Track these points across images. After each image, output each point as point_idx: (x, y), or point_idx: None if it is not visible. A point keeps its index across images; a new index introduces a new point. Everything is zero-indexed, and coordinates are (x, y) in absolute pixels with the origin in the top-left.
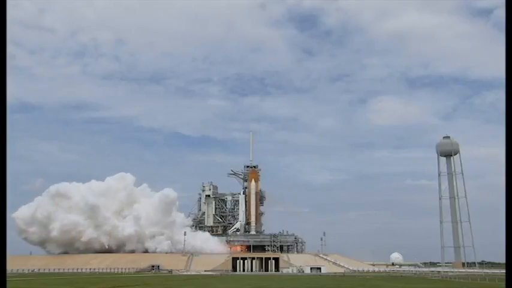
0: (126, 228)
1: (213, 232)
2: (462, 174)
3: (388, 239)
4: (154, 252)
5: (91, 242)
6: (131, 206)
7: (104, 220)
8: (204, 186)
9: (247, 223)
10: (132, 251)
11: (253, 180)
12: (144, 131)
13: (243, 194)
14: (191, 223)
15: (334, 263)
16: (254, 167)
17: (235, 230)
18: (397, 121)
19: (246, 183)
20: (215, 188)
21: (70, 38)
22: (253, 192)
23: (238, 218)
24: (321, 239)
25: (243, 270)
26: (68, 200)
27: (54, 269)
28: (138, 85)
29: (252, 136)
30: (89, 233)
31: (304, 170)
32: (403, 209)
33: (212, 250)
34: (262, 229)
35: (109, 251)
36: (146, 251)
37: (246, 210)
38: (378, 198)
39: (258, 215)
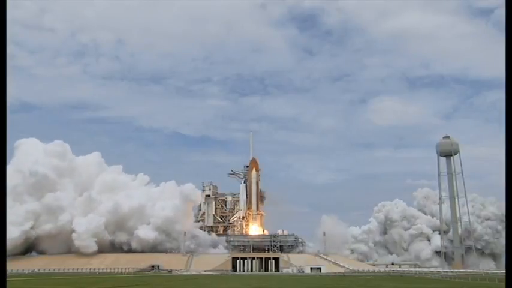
0: (147, 233)
1: (213, 232)
2: (462, 174)
3: None
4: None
5: (111, 244)
6: (151, 207)
7: (124, 223)
8: (204, 186)
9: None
10: (153, 252)
11: (253, 169)
12: (144, 131)
13: (244, 183)
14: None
15: (334, 263)
16: (254, 160)
17: (236, 218)
18: (398, 121)
19: (246, 178)
20: (215, 188)
21: (70, 38)
22: (254, 181)
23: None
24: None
25: (243, 270)
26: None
27: (54, 269)
28: (138, 85)
29: (252, 136)
30: (111, 236)
31: (304, 170)
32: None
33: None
34: (262, 229)
35: (128, 251)
36: (166, 252)
37: (247, 198)
38: (378, 198)
39: (259, 203)
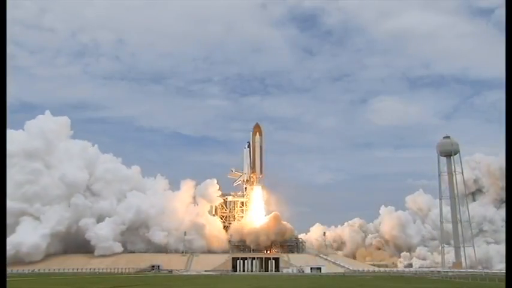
0: (161, 239)
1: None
2: (462, 174)
3: None
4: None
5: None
6: (168, 211)
7: (142, 227)
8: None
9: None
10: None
11: (257, 133)
12: (145, 131)
13: (248, 147)
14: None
15: (334, 263)
16: (258, 125)
17: (240, 181)
18: (398, 121)
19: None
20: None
21: (70, 38)
22: (257, 145)
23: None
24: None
25: (243, 270)
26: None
27: (54, 269)
28: (138, 85)
29: (252, 135)
30: (127, 238)
31: (304, 170)
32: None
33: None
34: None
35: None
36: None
37: (250, 162)
38: (379, 198)
39: (263, 166)
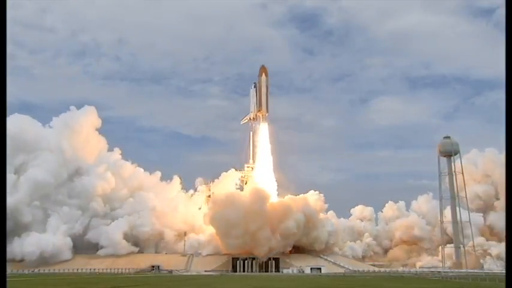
0: (171, 240)
1: None
2: (462, 174)
3: None
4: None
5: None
6: (180, 212)
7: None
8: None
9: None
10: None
11: (263, 74)
12: (145, 131)
13: (254, 87)
14: None
15: (334, 263)
16: (263, 67)
17: (246, 120)
18: (399, 121)
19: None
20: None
21: (71, 37)
22: (264, 85)
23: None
24: None
25: (243, 270)
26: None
27: (54, 269)
28: (138, 85)
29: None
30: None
31: (305, 170)
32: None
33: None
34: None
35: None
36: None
37: (257, 100)
38: (380, 199)
39: (269, 104)
